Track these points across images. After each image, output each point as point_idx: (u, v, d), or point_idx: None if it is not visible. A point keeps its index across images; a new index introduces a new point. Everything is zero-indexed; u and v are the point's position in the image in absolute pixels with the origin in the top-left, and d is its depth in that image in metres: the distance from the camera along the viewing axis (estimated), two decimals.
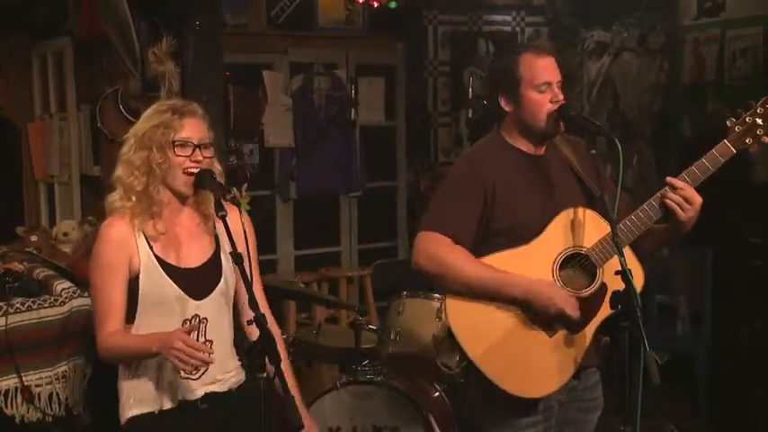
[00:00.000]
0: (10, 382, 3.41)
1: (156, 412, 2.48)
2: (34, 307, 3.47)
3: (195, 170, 2.44)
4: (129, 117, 4.67)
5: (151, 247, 2.46)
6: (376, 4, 6.37)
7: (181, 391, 2.48)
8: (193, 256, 2.51)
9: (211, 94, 4.29)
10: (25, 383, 3.42)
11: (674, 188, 2.54)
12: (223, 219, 2.35)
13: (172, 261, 2.47)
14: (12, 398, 3.41)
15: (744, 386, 4.77)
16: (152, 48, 4.34)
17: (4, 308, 3.41)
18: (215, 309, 2.51)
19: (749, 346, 4.97)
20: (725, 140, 2.57)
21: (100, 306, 2.47)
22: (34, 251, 4.18)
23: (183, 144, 2.43)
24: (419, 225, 2.71)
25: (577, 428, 2.78)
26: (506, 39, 6.70)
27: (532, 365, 2.61)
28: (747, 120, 2.58)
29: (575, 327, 2.60)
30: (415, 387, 3.75)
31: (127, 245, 2.44)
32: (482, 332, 2.61)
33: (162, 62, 4.32)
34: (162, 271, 2.45)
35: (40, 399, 3.46)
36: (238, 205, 2.42)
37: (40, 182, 5.88)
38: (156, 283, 2.44)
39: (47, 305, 3.49)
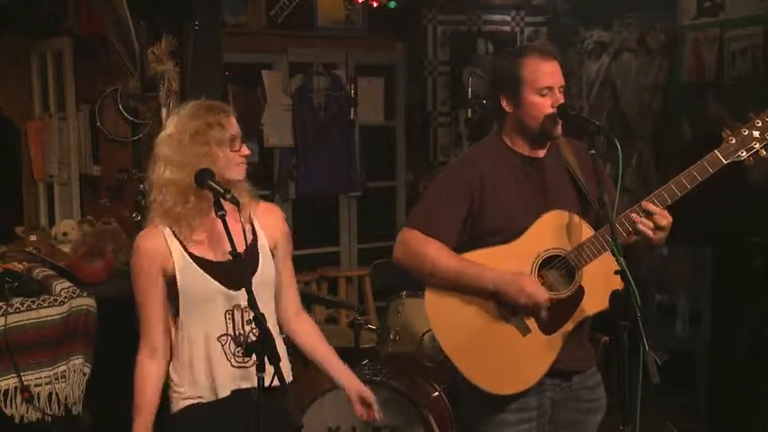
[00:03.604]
0: (9, 381, 3.41)
1: (211, 401, 2.49)
2: (34, 307, 3.46)
3: (244, 161, 2.51)
4: (129, 117, 4.68)
5: (185, 247, 2.48)
6: (375, 4, 6.36)
7: (235, 379, 2.49)
8: (226, 249, 2.49)
9: (211, 93, 4.26)
10: (25, 383, 3.42)
11: (647, 213, 2.54)
12: (222, 218, 2.36)
13: (207, 256, 2.49)
14: (11, 398, 3.41)
15: (743, 385, 4.78)
16: (151, 47, 4.34)
17: (4, 308, 3.41)
18: (256, 297, 2.50)
19: (749, 346, 4.97)
20: (715, 151, 2.55)
21: (140, 317, 2.54)
22: (34, 251, 4.17)
23: (233, 140, 2.50)
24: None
25: (576, 430, 2.77)
26: (506, 39, 6.70)
27: (503, 362, 2.62)
28: (744, 132, 2.56)
29: (548, 327, 2.60)
30: (415, 387, 3.75)
31: (159, 251, 2.48)
32: (457, 326, 2.63)
33: (161, 62, 4.33)
34: (197, 267, 2.47)
35: (39, 398, 3.45)
36: (237, 205, 2.41)
37: (39, 182, 5.88)
38: (193, 280, 2.46)
39: (46, 305, 3.49)
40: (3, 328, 3.38)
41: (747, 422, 4.64)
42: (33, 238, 4.30)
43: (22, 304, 3.45)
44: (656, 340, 2.54)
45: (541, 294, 2.55)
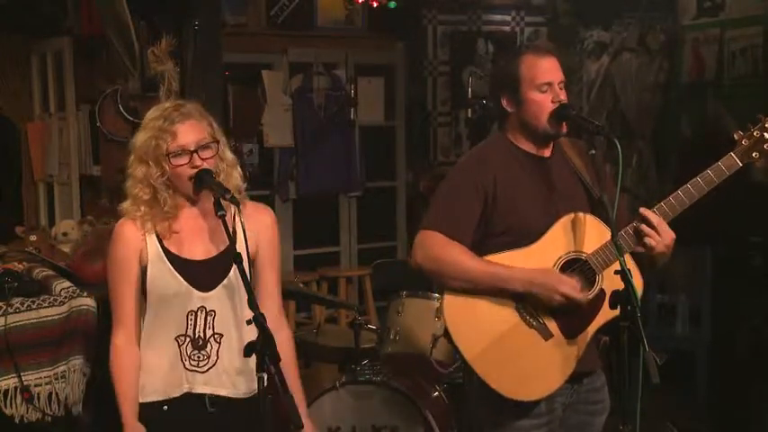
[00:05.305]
0: (9, 381, 3.40)
1: (165, 404, 2.49)
2: (34, 307, 3.46)
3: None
4: (129, 117, 4.68)
5: (161, 241, 2.47)
6: (375, 4, 6.36)
7: (187, 381, 2.49)
8: (204, 248, 2.50)
9: (211, 93, 4.29)
10: (24, 383, 3.41)
11: (646, 222, 2.54)
12: (222, 218, 2.35)
13: (180, 253, 2.47)
14: (11, 398, 3.40)
15: (743, 385, 4.78)
16: (151, 47, 4.34)
17: (4, 308, 3.40)
18: (222, 302, 2.49)
19: (749, 345, 4.97)
20: (731, 153, 2.56)
21: (113, 306, 2.52)
22: (34, 251, 4.17)
23: (179, 153, 2.41)
24: (420, 223, 2.70)
25: (584, 431, 2.76)
26: (506, 38, 6.70)
27: (525, 368, 2.60)
28: (755, 134, 2.56)
29: (570, 331, 2.59)
30: (415, 387, 3.74)
31: (136, 240, 2.47)
32: (478, 332, 2.60)
33: (161, 62, 4.33)
34: (168, 262, 2.46)
35: (39, 399, 3.45)
36: (237, 205, 2.40)
37: (39, 182, 5.88)
38: (161, 275, 2.45)
39: (46, 305, 3.48)
40: (3, 328, 3.37)
41: (747, 422, 4.63)
42: (33, 238, 4.30)
43: (22, 304, 3.45)
44: (656, 340, 2.53)
45: (574, 288, 2.53)
